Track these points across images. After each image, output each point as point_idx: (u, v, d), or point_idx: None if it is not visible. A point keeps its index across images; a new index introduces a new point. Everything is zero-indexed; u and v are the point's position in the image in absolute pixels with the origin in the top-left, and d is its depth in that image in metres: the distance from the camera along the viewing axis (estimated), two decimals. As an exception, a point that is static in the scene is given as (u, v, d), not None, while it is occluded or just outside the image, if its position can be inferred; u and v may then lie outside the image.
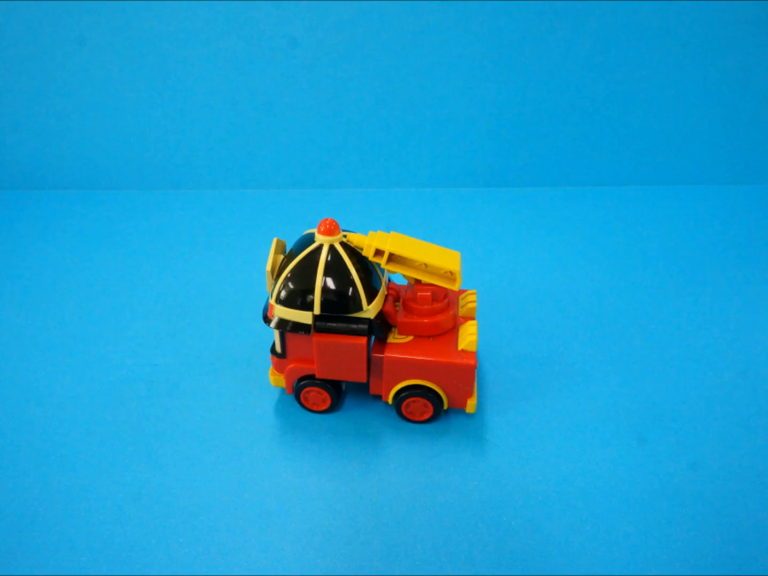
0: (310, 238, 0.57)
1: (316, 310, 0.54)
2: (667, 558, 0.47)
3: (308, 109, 1.06)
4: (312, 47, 1.01)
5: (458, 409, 0.61)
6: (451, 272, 0.57)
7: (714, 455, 0.56)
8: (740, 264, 0.88)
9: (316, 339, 0.55)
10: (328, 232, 0.55)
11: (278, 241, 0.59)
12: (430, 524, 0.49)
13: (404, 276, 0.58)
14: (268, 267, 0.57)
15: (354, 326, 0.55)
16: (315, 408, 0.61)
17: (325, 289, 0.54)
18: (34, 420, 0.59)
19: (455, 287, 0.56)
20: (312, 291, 0.54)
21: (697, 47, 1.03)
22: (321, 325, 0.55)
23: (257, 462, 0.55)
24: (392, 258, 0.57)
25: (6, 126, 1.06)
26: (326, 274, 0.54)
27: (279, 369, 0.60)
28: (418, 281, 0.58)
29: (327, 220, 0.55)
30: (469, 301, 0.61)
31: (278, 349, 0.59)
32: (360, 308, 0.55)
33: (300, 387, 0.59)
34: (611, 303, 0.78)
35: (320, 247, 0.55)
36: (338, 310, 0.54)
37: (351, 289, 0.54)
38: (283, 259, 0.58)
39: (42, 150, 1.08)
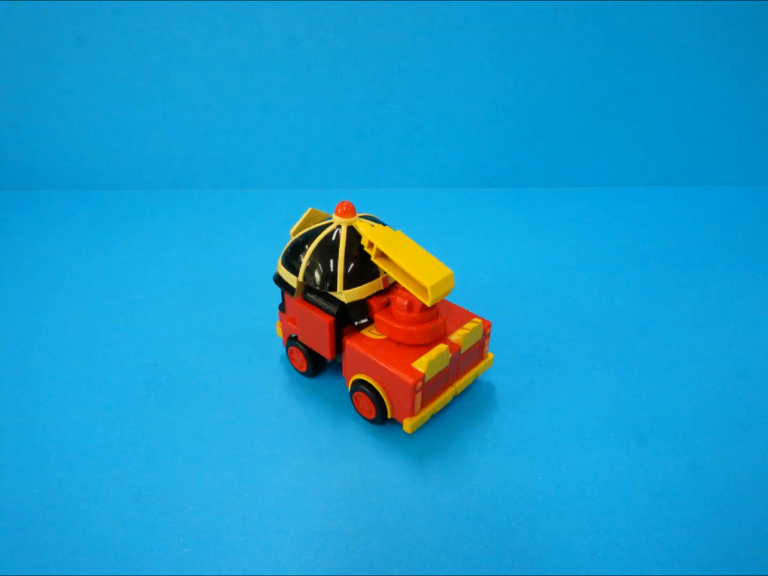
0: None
1: (300, 277, 0.58)
2: (667, 558, 0.47)
3: (308, 109, 1.06)
4: (312, 47, 1.01)
5: (459, 410, 0.61)
6: (424, 287, 0.54)
7: (714, 455, 0.56)
8: (740, 264, 0.88)
9: (296, 303, 0.60)
10: (342, 213, 0.59)
11: (312, 211, 0.63)
12: (430, 524, 0.49)
13: (392, 276, 0.57)
14: (292, 230, 0.62)
15: (327, 305, 0.58)
16: (297, 368, 0.65)
17: (310, 259, 0.58)
18: (34, 420, 0.59)
19: (427, 303, 0.54)
20: (301, 259, 0.58)
21: (698, 47, 1.03)
22: (306, 294, 0.60)
23: (257, 462, 0.55)
24: (381, 254, 0.57)
25: (6, 126, 1.06)
26: (318, 247, 0.58)
27: (281, 321, 0.66)
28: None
29: (344, 203, 0.59)
30: (466, 328, 0.59)
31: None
32: (333, 288, 0.57)
33: (289, 343, 0.64)
34: (611, 303, 0.78)
35: (329, 224, 0.60)
36: (313, 282, 0.58)
37: (330, 268, 0.57)
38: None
39: (42, 150, 1.08)
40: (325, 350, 0.60)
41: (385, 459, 0.55)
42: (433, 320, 0.57)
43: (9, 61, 1.01)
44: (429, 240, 0.94)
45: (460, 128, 1.08)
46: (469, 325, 0.59)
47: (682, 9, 1.00)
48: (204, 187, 1.11)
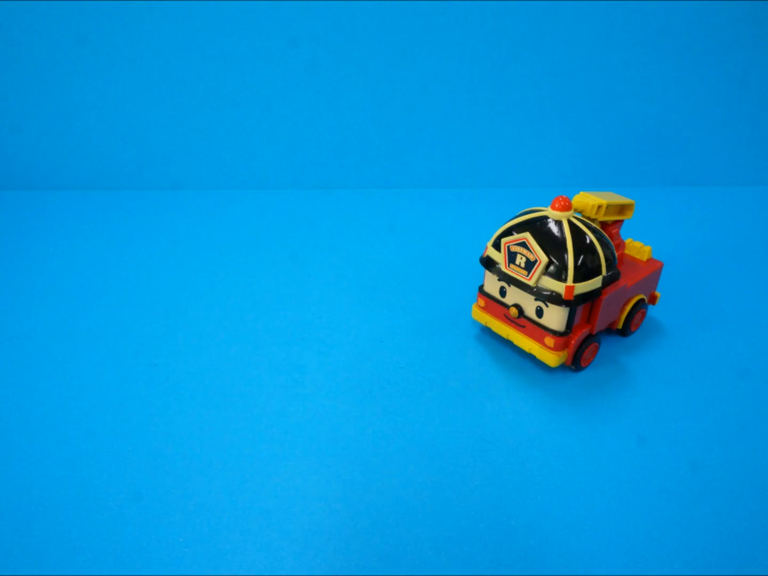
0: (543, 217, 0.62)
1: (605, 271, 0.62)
2: (667, 558, 0.47)
3: (308, 109, 1.06)
4: (312, 47, 1.01)
5: (456, 408, 0.61)
6: (631, 203, 0.68)
7: (714, 455, 0.56)
8: (740, 264, 0.88)
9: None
10: (561, 208, 0.61)
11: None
12: (430, 524, 0.49)
13: (607, 221, 0.67)
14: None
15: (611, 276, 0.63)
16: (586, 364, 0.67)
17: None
18: (34, 420, 0.59)
19: (630, 215, 0.68)
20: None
21: (697, 48, 1.03)
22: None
23: (257, 461, 0.55)
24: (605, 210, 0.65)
25: (6, 126, 1.06)
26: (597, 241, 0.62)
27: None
28: (604, 223, 0.68)
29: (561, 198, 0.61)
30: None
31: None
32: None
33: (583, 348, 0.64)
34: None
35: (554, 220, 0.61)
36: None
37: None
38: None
39: (42, 150, 1.08)
40: (617, 316, 0.68)
41: (384, 459, 0.55)
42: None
43: (9, 60, 1.01)
44: (428, 240, 0.94)
45: (460, 128, 1.08)
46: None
47: (681, 9, 1.00)
48: (204, 187, 1.11)
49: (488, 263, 0.65)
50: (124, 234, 0.95)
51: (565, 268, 0.59)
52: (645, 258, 0.71)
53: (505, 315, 0.66)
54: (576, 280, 0.59)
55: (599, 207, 0.64)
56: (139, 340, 0.71)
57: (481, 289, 0.68)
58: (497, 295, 0.66)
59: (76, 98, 1.04)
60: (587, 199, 0.65)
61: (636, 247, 0.72)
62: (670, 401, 0.62)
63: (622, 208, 0.68)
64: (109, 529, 0.49)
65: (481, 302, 0.69)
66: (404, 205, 1.05)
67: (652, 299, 0.73)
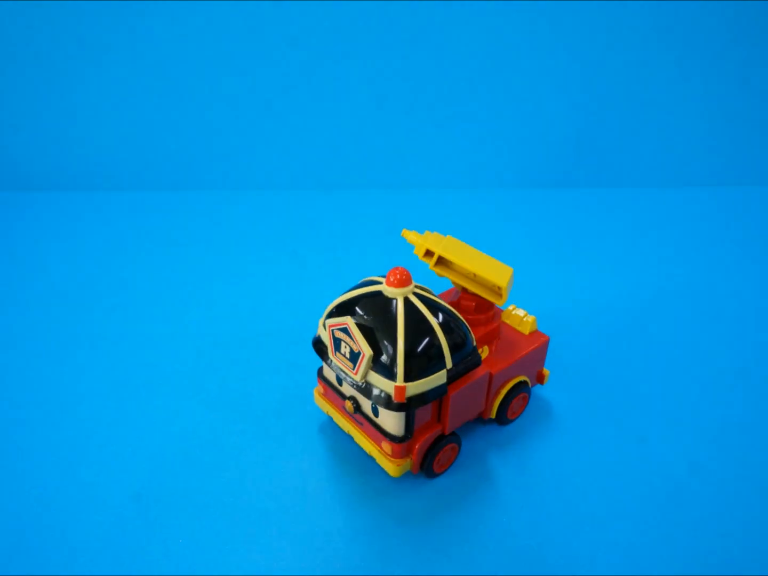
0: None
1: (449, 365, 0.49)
2: (667, 558, 0.47)
3: (308, 109, 1.06)
4: (312, 47, 1.01)
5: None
6: (498, 287, 0.55)
7: (714, 455, 0.56)
8: (740, 264, 0.88)
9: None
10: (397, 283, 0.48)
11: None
12: (430, 524, 0.49)
13: (453, 282, 0.57)
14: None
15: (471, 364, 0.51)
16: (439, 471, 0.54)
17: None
18: (34, 420, 0.59)
19: (500, 303, 0.54)
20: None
21: (698, 47, 1.03)
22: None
23: (257, 462, 0.55)
24: (441, 261, 0.56)
25: (6, 126, 1.06)
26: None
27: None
28: (464, 290, 0.57)
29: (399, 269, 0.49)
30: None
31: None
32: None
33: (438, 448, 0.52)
34: (610, 303, 0.78)
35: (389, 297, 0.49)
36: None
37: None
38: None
39: (42, 150, 1.08)
40: (482, 408, 0.56)
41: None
42: (496, 320, 0.58)
43: (9, 60, 1.01)
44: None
45: (460, 128, 1.08)
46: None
47: (681, 9, 1.00)
48: (204, 187, 1.11)
49: (318, 347, 0.53)
50: (124, 234, 0.95)
51: (393, 363, 0.46)
52: (527, 330, 0.59)
53: (343, 407, 0.54)
54: (409, 378, 0.46)
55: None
56: (139, 341, 0.71)
57: (319, 372, 0.56)
58: (335, 383, 0.54)
59: (75, 98, 1.04)
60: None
61: (517, 318, 0.59)
62: (670, 401, 0.62)
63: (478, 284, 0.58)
64: (109, 529, 0.49)
65: (320, 388, 0.57)
66: (404, 205, 1.05)
67: (540, 378, 0.61)
